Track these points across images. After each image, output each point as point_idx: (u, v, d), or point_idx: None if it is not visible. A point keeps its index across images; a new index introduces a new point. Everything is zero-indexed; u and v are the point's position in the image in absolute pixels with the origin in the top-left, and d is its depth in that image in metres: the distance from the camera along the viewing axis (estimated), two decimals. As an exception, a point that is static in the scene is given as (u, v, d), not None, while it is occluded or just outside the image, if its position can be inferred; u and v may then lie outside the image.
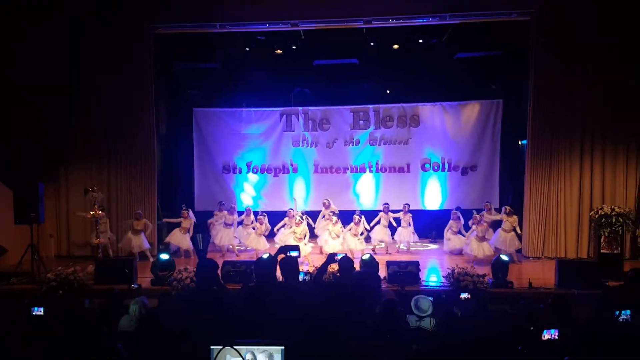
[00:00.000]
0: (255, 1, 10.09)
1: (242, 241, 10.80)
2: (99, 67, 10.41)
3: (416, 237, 11.02)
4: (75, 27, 10.24)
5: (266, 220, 10.45)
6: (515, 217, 9.77)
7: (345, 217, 10.52)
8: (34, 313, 5.36)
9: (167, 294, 6.15)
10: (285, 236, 10.02)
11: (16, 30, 10.06)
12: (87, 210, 9.66)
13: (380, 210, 11.00)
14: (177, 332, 3.43)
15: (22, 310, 5.45)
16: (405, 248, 11.01)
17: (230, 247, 10.78)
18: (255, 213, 10.95)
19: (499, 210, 10.46)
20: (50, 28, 10.19)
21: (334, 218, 10.17)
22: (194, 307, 3.83)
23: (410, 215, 10.92)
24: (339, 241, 9.97)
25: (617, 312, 4.66)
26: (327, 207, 10.93)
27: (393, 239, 10.87)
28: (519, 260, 9.73)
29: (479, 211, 10.30)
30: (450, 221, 10.60)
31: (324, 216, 10.84)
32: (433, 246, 11.82)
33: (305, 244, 9.74)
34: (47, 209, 9.69)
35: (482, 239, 9.71)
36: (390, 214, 10.87)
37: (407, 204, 11.10)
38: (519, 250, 10.02)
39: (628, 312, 4.69)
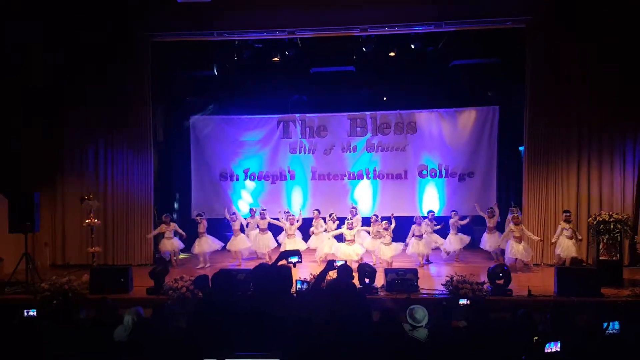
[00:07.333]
0: (253, 10, 10.07)
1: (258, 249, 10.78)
2: (95, 77, 10.38)
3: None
4: (70, 35, 10.19)
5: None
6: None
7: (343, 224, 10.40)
8: (25, 315, 5.31)
9: (161, 304, 6.07)
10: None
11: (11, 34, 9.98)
12: (83, 219, 9.60)
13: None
14: (171, 343, 3.37)
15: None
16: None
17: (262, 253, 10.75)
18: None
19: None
20: (44, 35, 10.14)
21: (349, 221, 9.81)
22: (192, 318, 3.77)
23: (435, 223, 10.83)
24: (355, 247, 9.68)
25: (605, 324, 4.60)
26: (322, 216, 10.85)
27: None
28: (522, 269, 9.59)
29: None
30: (426, 221, 10.45)
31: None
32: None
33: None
34: (42, 217, 9.61)
35: (519, 239, 9.54)
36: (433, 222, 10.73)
37: (431, 211, 11.09)
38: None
39: (617, 324, 4.63)
